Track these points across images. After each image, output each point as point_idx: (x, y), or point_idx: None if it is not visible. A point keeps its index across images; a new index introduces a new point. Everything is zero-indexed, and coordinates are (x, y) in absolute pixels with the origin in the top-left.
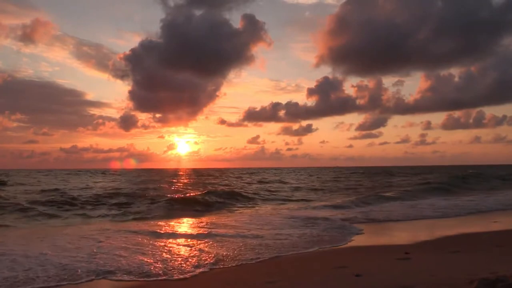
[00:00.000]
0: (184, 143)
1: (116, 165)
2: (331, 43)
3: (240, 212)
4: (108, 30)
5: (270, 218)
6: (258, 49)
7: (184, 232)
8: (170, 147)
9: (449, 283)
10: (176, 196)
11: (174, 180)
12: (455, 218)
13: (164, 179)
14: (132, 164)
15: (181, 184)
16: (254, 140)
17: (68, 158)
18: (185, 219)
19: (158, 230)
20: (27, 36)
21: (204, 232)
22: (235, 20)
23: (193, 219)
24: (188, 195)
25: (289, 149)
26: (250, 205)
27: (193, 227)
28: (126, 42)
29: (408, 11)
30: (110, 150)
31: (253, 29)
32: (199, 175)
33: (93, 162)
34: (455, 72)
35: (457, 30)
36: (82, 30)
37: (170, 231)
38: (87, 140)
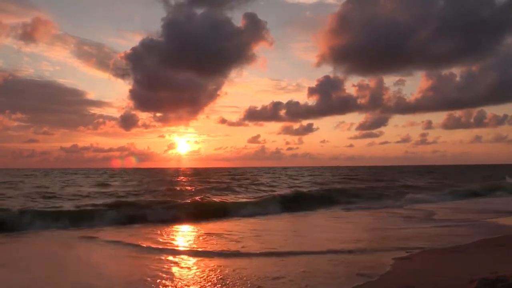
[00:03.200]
0: (184, 143)
1: (117, 164)
2: (332, 43)
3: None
4: (109, 29)
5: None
6: (259, 49)
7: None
8: (171, 146)
9: (450, 283)
10: (254, 200)
11: (200, 180)
12: None
13: (188, 179)
14: (132, 163)
15: (218, 185)
16: (254, 140)
17: (68, 157)
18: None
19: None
20: (27, 35)
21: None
22: (237, 19)
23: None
24: (259, 197)
25: (289, 149)
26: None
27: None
28: (127, 42)
29: (409, 10)
30: (110, 150)
31: (255, 28)
32: (215, 175)
33: (94, 162)
34: (456, 71)
35: (458, 30)
36: (82, 30)
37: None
38: (87, 139)
